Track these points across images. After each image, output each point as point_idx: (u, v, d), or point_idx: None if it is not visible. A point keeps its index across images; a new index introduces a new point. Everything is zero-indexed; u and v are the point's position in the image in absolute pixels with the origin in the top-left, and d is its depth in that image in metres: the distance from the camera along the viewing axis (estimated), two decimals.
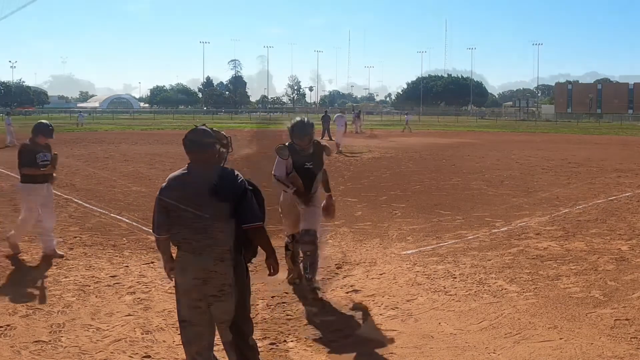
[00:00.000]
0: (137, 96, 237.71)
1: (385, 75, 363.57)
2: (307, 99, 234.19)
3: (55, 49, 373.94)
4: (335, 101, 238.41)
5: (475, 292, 9.13)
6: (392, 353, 6.94)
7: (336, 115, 41.13)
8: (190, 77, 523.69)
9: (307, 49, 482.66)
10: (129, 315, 8.21)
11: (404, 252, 11.59)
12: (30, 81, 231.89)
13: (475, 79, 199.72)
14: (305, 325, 7.92)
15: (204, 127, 5.89)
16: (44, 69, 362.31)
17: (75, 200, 17.43)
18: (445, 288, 9.34)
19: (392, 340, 7.36)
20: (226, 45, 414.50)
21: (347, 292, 9.30)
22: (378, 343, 7.31)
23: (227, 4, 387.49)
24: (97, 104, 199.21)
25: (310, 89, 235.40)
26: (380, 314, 8.26)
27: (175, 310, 8.48)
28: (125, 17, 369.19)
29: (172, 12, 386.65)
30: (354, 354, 6.97)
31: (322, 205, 9.61)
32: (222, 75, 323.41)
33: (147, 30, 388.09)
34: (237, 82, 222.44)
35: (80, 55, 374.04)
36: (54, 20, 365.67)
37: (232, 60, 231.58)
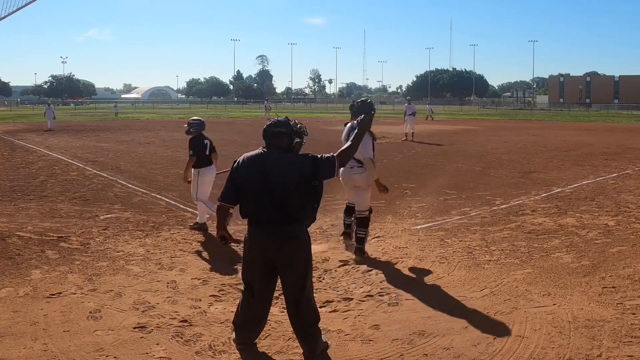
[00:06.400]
0: (175, 88, 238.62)
1: (397, 69, 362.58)
2: (327, 91, 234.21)
3: (105, 47, 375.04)
4: (352, 92, 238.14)
5: (478, 263, 9.12)
6: (406, 319, 6.95)
7: (405, 105, 38.65)
8: (222, 71, 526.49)
9: (326, 46, 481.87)
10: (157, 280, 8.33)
11: (414, 227, 11.59)
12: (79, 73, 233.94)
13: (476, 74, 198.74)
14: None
15: (281, 118, 5.96)
16: (91, 62, 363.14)
17: (120, 181, 17.55)
18: (450, 259, 9.34)
19: (404, 308, 7.38)
20: (254, 42, 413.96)
21: (364, 263, 9.33)
22: (391, 311, 7.33)
23: (256, 7, 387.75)
24: (139, 95, 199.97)
25: (330, 81, 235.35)
26: (393, 284, 8.26)
27: (208, 279, 8.58)
28: (163, 19, 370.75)
29: (206, 13, 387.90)
30: (369, 320, 6.99)
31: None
32: (251, 69, 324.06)
33: (182, 29, 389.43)
34: (264, 76, 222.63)
35: (126, 52, 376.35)
36: (102, 17, 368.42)
37: (259, 56, 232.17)
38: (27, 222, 11.57)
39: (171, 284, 8.21)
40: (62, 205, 13.66)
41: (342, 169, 8.90)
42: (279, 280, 5.94)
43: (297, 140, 5.86)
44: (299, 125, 5.96)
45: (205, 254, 9.85)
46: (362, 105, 9.64)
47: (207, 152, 11.63)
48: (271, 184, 5.59)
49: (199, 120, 11.96)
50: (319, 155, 5.78)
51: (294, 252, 5.72)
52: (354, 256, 9.57)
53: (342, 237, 10.44)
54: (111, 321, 6.77)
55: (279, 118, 5.95)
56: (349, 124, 9.69)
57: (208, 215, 11.54)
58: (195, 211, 12.92)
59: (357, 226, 9.82)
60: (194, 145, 11.46)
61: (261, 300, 5.95)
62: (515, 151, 27.72)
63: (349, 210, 10.24)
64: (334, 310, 7.27)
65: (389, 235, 10.95)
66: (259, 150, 5.83)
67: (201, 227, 11.47)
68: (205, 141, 11.62)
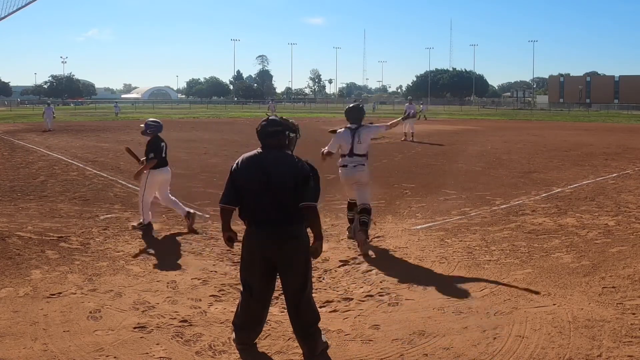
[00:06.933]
0: (175, 88, 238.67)
1: (397, 69, 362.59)
2: (327, 91, 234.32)
3: (105, 47, 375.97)
4: (352, 92, 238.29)
5: (478, 263, 9.13)
6: (406, 319, 6.95)
7: (406, 105, 38.39)
8: (222, 71, 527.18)
9: (326, 46, 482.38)
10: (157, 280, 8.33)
11: (414, 228, 11.59)
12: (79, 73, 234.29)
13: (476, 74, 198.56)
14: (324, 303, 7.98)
15: (273, 117, 5.99)
16: (90, 61, 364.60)
17: (120, 181, 17.53)
18: (450, 259, 9.34)
19: (404, 308, 7.38)
20: (254, 42, 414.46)
21: (364, 263, 9.34)
22: (391, 311, 7.33)
23: (256, 7, 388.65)
24: (139, 95, 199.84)
25: (330, 81, 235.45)
26: (393, 284, 8.27)
27: (207, 279, 8.56)
28: (163, 19, 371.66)
29: (206, 13, 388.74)
30: (369, 320, 6.99)
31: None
32: (251, 69, 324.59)
33: (182, 29, 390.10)
34: (264, 76, 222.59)
35: (126, 52, 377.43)
36: (103, 19, 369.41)
37: (259, 56, 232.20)
38: (27, 222, 11.57)
39: (171, 284, 8.21)
40: (62, 205, 13.66)
41: (344, 168, 10.34)
42: (278, 280, 5.94)
43: (292, 135, 5.93)
44: (290, 121, 6.03)
45: (205, 254, 9.85)
46: (350, 111, 10.68)
47: (164, 154, 11.71)
48: (272, 184, 5.60)
49: (157, 122, 12.02)
50: (313, 177, 5.78)
51: (294, 252, 5.72)
52: (358, 241, 10.01)
53: (347, 230, 10.92)
54: (111, 321, 6.77)
55: (271, 117, 5.98)
56: (342, 129, 10.53)
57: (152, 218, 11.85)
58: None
59: (360, 214, 10.18)
60: (155, 148, 11.57)
61: (261, 300, 5.95)
62: (515, 151, 27.72)
63: (351, 206, 10.74)
64: (334, 310, 7.27)
65: (389, 235, 10.95)
66: (256, 151, 5.84)
67: (191, 218, 11.66)
68: (162, 144, 11.72)
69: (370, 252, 9.82)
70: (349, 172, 10.34)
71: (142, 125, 11.92)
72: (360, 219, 10.16)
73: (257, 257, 5.77)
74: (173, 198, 11.87)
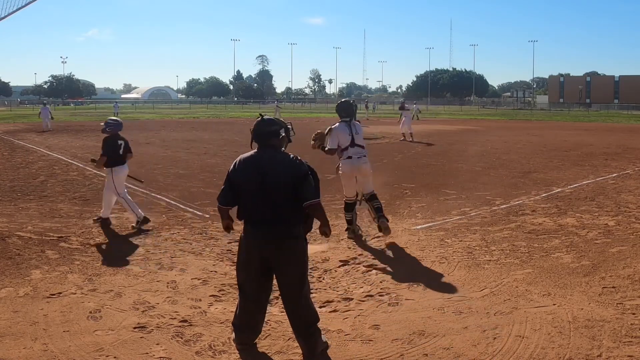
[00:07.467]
0: (175, 88, 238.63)
1: (397, 69, 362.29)
2: (327, 91, 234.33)
3: (105, 47, 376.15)
4: (352, 92, 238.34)
5: (478, 263, 9.12)
6: (406, 319, 6.94)
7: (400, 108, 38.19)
8: (222, 71, 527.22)
9: (326, 46, 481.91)
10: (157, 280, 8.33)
11: (414, 228, 11.58)
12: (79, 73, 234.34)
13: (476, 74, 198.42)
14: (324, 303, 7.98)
15: (269, 117, 6.04)
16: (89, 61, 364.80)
17: None
18: (450, 259, 9.33)
19: (404, 308, 7.37)
20: (254, 42, 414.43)
21: (363, 265, 9.34)
22: (391, 311, 7.32)
23: (256, 7, 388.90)
24: (139, 95, 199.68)
25: (330, 81, 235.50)
26: (393, 284, 8.27)
27: (208, 281, 8.56)
28: (163, 19, 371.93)
29: (206, 13, 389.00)
30: (369, 320, 6.98)
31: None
32: (251, 69, 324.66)
33: (182, 29, 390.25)
34: (264, 76, 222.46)
35: (126, 52, 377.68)
36: (106, 20, 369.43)
37: (259, 56, 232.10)
38: (27, 222, 11.58)
39: (171, 284, 8.21)
40: (62, 205, 13.67)
41: (349, 160, 10.66)
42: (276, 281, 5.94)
43: (283, 134, 5.97)
44: (281, 119, 6.12)
45: (205, 254, 9.85)
46: (342, 105, 11.35)
47: (121, 152, 11.92)
48: (266, 184, 5.61)
49: (116, 120, 12.34)
50: (311, 175, 5.81)
51: (291, 252, 5.73)
52: (380, 226, 10.53)
53: (346, 232, 11.07)
54: (111, 321, 6.77)
55: (265, 116, 6.00)
56: (337, 124, 11.00)
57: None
58: (194, 212, 12.93)
59: (371, 200, 10.76)
60: (105, 146, 11.81)
61: (259, 301, 5.95)
62: (515, 151, 27.71)
63: (349, 207, 10.99)
64: (334, 310, 7.27)
65: (389, 235, 10.93)
66: (253, 152, 5.86)
67: (105, 222, 11.75)
68: (120, 142, 11.96)
69: (370, 252, 9.83)
70: (355, 162, 10.71)
71: (102, 123, 12.21)
72: (373, 205, 10.69)
73: (254, 256, 5.77)
74: (111, 200, 11.98)
